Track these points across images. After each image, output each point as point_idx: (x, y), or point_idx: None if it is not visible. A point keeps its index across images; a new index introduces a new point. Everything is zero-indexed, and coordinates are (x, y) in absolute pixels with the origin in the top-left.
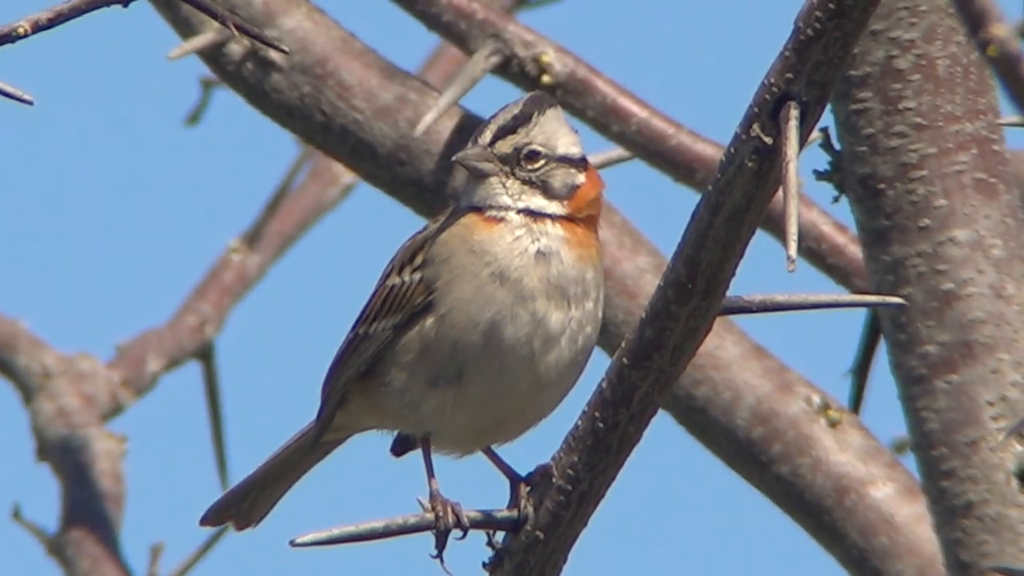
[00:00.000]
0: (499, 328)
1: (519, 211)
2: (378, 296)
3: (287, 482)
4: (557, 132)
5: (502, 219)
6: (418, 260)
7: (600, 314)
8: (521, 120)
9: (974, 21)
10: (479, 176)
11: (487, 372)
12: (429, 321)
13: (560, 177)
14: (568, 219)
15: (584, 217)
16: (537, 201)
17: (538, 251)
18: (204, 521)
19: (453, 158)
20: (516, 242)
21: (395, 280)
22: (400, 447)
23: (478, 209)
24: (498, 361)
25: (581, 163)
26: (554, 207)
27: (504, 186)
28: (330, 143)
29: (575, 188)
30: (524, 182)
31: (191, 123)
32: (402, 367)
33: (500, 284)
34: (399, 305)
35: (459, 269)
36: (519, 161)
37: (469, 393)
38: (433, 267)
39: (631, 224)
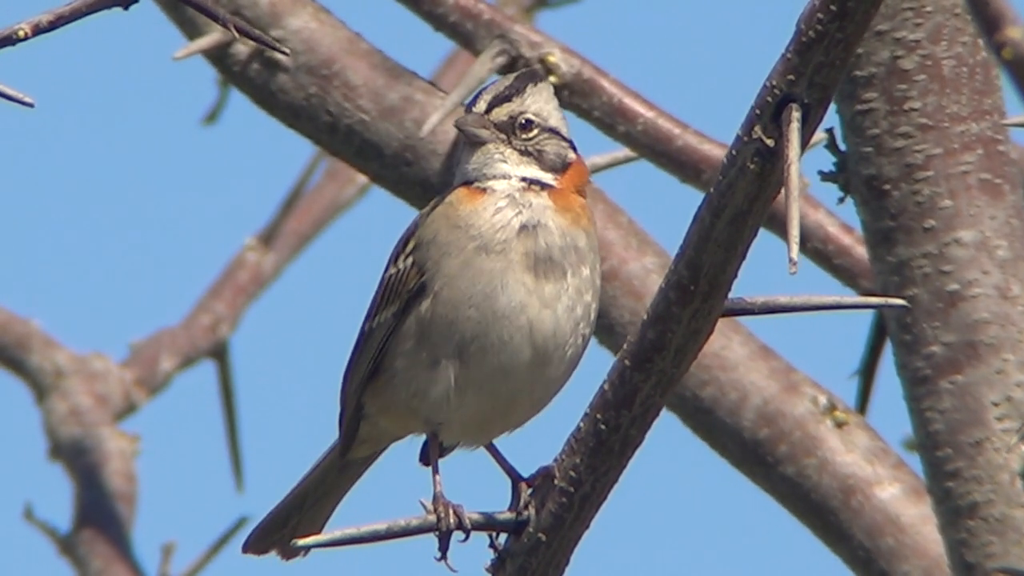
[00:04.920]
0: (492, 300)
1: (521, 178)
2: (379, 291)
3: (326, 506)
4: (548, 104)
5: (486, 190)
6: (410, 246)
7: (598, 281)
8: (514, 91)
9: (989, 24)
10: (476, 142)
11: (487, 347)
12: (425, 304)
13: (553, 148)
14: (556, 188)
15: (572, 188)
16: (533, 171)
17: (522, 225)
18: (246, 548)
19: (453, 122)
20: (498, 215)
21: (391, 271)
22: (428, 457)
23: (468, 182)
24: (495, 334)
25: (570, 143)
26: (548, 178)
27: (502, 154)
28: (336, 144)
29: (567, 163)
30: (521, 152)
31: (208, 122)
32: (405, 356)
33: (486, 256)
34: (396, 293)
35: (445, 246)
36: (514, 130)
37: (473, 372)
38: (422, 249)
39: (637, 225)
